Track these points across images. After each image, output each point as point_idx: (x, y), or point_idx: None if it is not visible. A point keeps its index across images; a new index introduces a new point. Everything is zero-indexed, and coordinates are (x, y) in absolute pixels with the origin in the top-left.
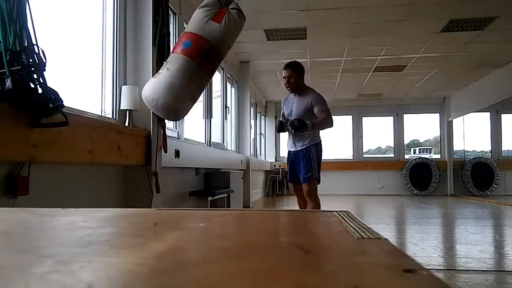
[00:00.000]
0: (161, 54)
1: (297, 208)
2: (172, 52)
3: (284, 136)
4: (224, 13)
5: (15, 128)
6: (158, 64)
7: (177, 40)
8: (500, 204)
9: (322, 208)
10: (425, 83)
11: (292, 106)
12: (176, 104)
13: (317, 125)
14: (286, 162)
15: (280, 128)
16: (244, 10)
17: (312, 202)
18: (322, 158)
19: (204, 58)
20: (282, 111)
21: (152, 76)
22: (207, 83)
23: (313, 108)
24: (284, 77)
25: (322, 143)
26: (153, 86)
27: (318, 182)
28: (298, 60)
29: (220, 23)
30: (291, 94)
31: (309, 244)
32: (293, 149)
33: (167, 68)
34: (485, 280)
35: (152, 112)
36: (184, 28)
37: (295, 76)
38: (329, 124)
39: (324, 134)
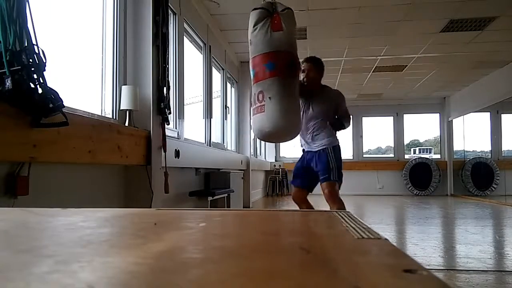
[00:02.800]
0: (161, 54)
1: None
2: (258, 81)
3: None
4: (279, 19)
5: (15, 128)
6: (158, 64)
7: (177, 40)
8: (500, 204)
9: (322, 208)
10: (425, 83)
11: (310, 103)
12: (296, 123)
13: (347, 125)
14: (286, 162)
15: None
16: (244, 10)
17: (335, 205)
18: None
19: (290, 69)
20: None
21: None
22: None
23: (334, 105)
24: (303, 71)
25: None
26: (269, 120)
27: (339, 184)
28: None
29: (282, 30)
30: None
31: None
32: (306, 149)
33: (269, 98)
34: (485, 280)
35: (154, 112)
36: (185, 29)
37: (315, 73)
38: (348, 122)
39: None
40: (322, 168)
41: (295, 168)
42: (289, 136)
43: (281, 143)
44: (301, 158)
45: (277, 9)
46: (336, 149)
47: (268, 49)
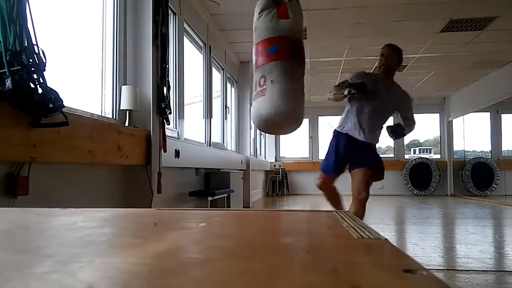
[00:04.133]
0: (161, 54)
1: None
2: (260, 65)
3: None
4: (285, 8)
5: (15, 128)
6: (158, 64)
7: (177, 40)
8: (500, 204)
9: (321, 208)
10: (425, 83)
11: (381, 91)
12: (297, 111)
13: (409, 132)
14: (286, 162)
15: (362, 87)
16: (244, 10)
17: (363, 192)
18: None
19: (294, 55)
20: (353, 80)
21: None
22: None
23: (395, 106)
24: (382, 54)
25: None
26: (268, 103)
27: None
28: None
29: (289, 18)
30: (375, 77)
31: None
32: (358, 138)
33: (271, 81)
34: (485, 280)
35: (154, 112)
36: (185, 29)
37: (394, 60)
38: (412, 129)
39: (323, 133)
40: (371, 156)
41: (334, 150)
42: (288, 125)
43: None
44: (345, 141)
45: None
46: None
47: (272, 34)
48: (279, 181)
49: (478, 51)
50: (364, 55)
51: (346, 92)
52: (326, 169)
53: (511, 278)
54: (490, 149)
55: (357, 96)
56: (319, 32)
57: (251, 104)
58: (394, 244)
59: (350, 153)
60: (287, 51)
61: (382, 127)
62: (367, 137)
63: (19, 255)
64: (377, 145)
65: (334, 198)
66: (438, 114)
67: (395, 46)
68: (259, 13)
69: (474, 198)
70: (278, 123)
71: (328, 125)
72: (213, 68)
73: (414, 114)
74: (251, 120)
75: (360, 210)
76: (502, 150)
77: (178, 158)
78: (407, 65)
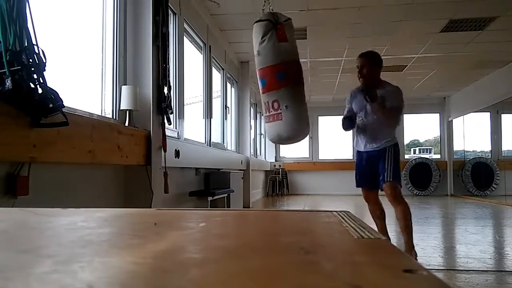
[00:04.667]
0: (161, 54)
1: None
2: (270, 91)
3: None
4: (283, 30)
5: (15, 128)
6: (158, 64)
7: (178, 40)
8: (500, 204)
9: (321, 208)
10: (425, 83)
11: (366, 103)
12: (307, 126)
13: (384, 113)
14: (286, 162)
15: (348, 124)
16: (244, 10)
17: (399, 205)
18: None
19: (298, 78)
20: (346, 108)
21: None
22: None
23: (385, 100)
24: (357, 66)
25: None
26: (287, 128)
27: (399, 185)
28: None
29: (287, 41)
30: (359, 91)
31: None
32: (365, 150)
33: (285, 106)
34: (485, 280)
35: (154, 112)
36: (185, 29)
37: (368, 66)
38: (394, 121)
39: (323, 133)
40: (381, 168)
41: (356, 169)
42: (301, 139)
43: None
44: (358, 157)
45: (279, 20)
46: (396, 148)
47: (277, 60)
48: (279, 181)
49: (478, 51)
50: None
51: (344, 128)
52: (357, 184)
53: (511, 278)
54: (490, 149)
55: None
56: (319, 32)
57: (262, 119)
58: (394, 244)
59: (369, 165)
60: (293, 76)
61: (385, 125)
62: (371, 146)
63: (19, 255)
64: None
65: (374, 211)
66: (438, 114)
67: (365, 53)
68: (262, 38)
69: (474, 198)
70: (295, 140)
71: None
72: (213, 68)
73: (400, 106)
74: (267, 138)
75: (402, 220)
76: (502, 150)
77: (178, 158)
78: (407, 65)
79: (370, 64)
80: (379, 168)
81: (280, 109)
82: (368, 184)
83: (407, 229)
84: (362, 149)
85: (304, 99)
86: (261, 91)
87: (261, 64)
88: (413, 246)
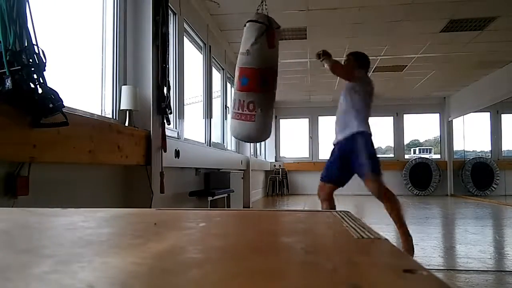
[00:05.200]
0: (161, 54)
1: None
2: (249, 91)
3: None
4: (274, 36)
5: (15, 128)
6: (158, 64)
7: (177, 40)
8: (500, 204)
9: (321, 208)
10: (425, 83)
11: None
12: (270, 132)
13: (335, 67)
14: (286, 162)
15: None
16: (244, 10)
17: (386, 202)
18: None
19: (274, 84)
20: None
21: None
22: None
23: (352, 87)
24: (344, 62)
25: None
26: (258, 130)
27: (378, 176)
28: (298, 60)
29: (274, 47)
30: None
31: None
32: (337, 141)
33: (260, 110)
34: (485, 280)
35: (154, 112)
36: (185, 29)
37: (351, 62)
38: (340, 71)
39: (323, 133)
40: (354, 160)
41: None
42: (263, 140)
43: (281, 137)
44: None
45: (272, 25)
46: (365, 137)
47: (263, 65)
48: (279, 181)
49: (478, 51)
50: None
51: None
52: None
53: (511, 278)
54: (490, 149)
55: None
56: (319, 32)
57: (228, 114)
58: (394, 244)
59: (337, 158)
60: (272, 83)
61: (351, 113)
62: (341, 136)
63: (19, 255)
64: (377, 145)
65: (324, 206)
66: (438, 114)
67: (352, 52)
68: (255, 39)
69: (474, 198)
70: (259, 141)
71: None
72: (213, 68)
73: (352, 71)
74: (231, 133)
75: (392, 211)
76: (502, 150)
77: (178, 158)
78: (407, 65)
79: (354, 60)
80: (352, 162)
81: (255, 112)
82: (327, 178)
83: (399, 221)
84: (334, 142)
85: (273, 106)
86: (238, 88)
87: (247, 64)
88: (409, 234)
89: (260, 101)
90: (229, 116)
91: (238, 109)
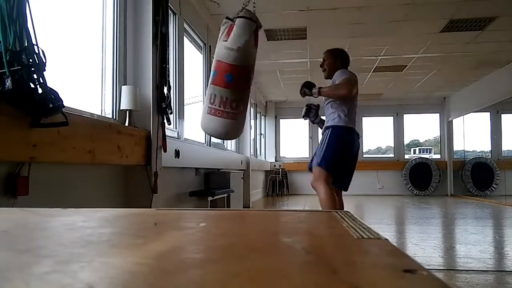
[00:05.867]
0: (161, 54)
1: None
2: (233, 88)
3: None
4: (258, 35)
5: (15, 128)
6: (158, 64)
7: (178, 40)
8: (500, 204)
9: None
10: (425, 83)
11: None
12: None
13: (324, 92)
14: (286, 162)
15: (306, 112)
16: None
17: (317, 193)
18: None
19: (252, 79)
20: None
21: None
22: None
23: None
24: (323, 59)
25: (347, 131)
26: (236, 128)
27: (327, 171)
28: (298, 60)
29: (257, 47)
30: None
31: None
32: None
33: (242, 108)
34: (485, 280)
35: (154, 112)
36: (185, 29)
37: (330, 59)
38: (336, 92)
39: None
40: (316, 151)
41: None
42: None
43: (281, 137)
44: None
45: (258, 24)
46: (335, 132)
47: (249, 64)
48: (279, 181)
49: (478, 51)
50: (364, 55)
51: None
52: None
53: (511, 278)
54: (490, 149)
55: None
56: (319, 32)
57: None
58: (394, 244)
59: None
60: (251, 81)
61: (332, 108)
62: (323, 129)
63: (19, 255)
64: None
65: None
66: (438, 114)
67: (328, 50)
68: (248, 37)
69: (474, 198)
70: (234, 138)
71: None
72: None
73: (345, 83)
74: (206, 129)
75: (323, 207)
76: (502, 150)
77: (178, 158)
78: (407, 65)
79: (333, 57)
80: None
81: (237, 110)
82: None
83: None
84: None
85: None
86: (222, 85)
87: (236, 61)
88: None
89: (242, 99)
90: (202, 109)
91: (220, 106)
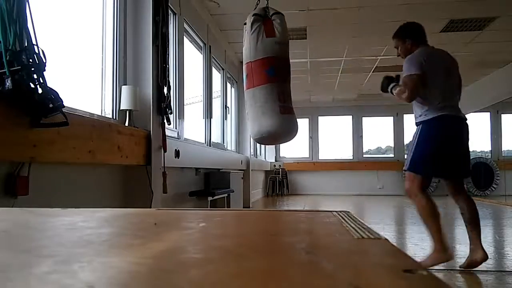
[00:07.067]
0: (161, 54)
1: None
2: (275, 81)
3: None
4: (271, 25)
5: (15, 128)
6: (158, 64)
7: (178, 40)
8: (500, 204)
9: (321, 208)
10: None
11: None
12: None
13: (395, 93)
14: (286, 162)
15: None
16: (244, 10)
17: (412, 201)
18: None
19: (285, 73)
20: None
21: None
22: None
23: None
24: (396, 48)
25: (439, 121)
26: (295, 122)
27: (421, 174)
28: (298, 60)
29: (275, 36)
30: None
31: (309, 244)
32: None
33: (290, 103)
34: (485, 280)
35: (154, 112)
36: (185, 29)
37: (400, 43)
38: (401, 96)
39: (323, 133)
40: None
41: None
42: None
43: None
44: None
45: (269, 14)
46: (426, 126)
47: (263, 56)
48: (279, 181)
49: (478, 51)
50: (364, 55)
51: None
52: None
53: (511, 278)
54: (490, 149)
55: None
56: (319, 32)
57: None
58: (394, 244)
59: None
60: (281, 72)
61: (416, 101)
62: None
63: (19, 255)
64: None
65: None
66: None
67: (395, 32)
68: (252, 32)
69: (474, 198)
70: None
71: None
72: (213, 68)
73: (406, 83)
74: (271, 134)
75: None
76: (502, 150)
77: (178, 158)
78: None
79: (402, 39)
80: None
81: (289, 102)
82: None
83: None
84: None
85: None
86: (286, 80)
87: (287, 54)
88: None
89: (287, 92)
90: (258, 112)
91: (290, 103)
